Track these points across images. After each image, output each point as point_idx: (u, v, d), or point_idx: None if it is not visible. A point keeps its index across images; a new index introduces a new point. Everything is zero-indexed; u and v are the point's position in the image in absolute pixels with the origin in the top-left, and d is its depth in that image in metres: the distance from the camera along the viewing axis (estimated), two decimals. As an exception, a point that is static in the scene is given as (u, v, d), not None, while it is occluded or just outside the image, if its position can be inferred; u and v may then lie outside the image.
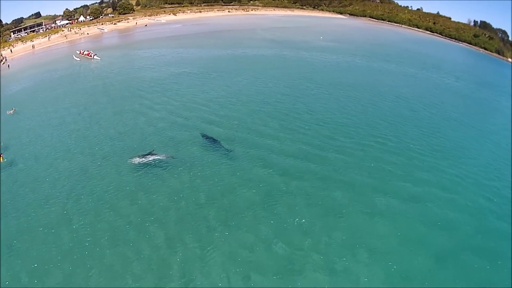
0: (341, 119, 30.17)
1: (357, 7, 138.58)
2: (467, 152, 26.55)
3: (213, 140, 24.21)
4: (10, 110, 31.94)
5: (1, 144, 24.73)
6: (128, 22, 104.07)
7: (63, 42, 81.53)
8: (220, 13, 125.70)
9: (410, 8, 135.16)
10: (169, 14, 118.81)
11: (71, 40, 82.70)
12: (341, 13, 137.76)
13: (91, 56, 55.08)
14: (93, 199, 18.47)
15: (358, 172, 21.34)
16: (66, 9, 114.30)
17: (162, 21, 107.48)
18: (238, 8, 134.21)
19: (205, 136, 24.91)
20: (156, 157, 21.76)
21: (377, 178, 20.87)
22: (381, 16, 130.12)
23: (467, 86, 50.73)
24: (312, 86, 39.85)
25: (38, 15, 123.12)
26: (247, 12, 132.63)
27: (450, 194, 19.96)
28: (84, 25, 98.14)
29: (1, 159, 22.25)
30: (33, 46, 78.54)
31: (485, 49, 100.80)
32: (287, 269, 14.23)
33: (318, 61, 55.56)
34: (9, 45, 79.42)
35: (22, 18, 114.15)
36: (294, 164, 21.93)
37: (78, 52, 58.21)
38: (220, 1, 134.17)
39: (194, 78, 42.34)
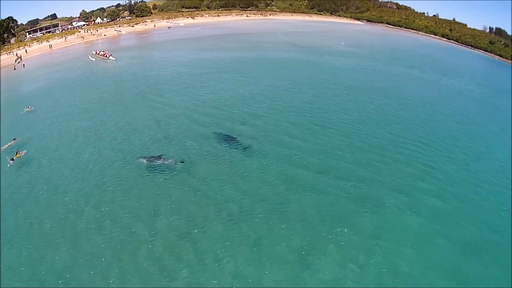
0: (375, 123, 29.47)
1: (374, 13, 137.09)
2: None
3: (234, 140, 24.12)
4: (27, 108, 31.61)
5: (18, 140, 24.88)
6: (146, 24, 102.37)
7: (79, 43, 79.89)
8: (239, 17, 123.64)
9: (426, 15, 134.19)
10: (187, 17, 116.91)
11: (87, 41, 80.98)
12: (358, 19, 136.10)
13: (106, 56, 54.46)
14: (109, 198, 18.27)
15: (390, 174, 21.06)
16: (83, 10, 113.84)
17: (180, 24, 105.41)
18: (256, 12, 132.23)
19: (227, 136, 24.69)
20: (170, 160, 21.36)
21: (414, 181, 20.45)
22: (398, 23, 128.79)
23: (489, 93, 49.21)
24: (340, 90, 39.06)
25: (54, 16, 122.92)
26: (265, 17, 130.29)
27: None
28: (101, 26, 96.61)
29: (17, 155, 22.33)
30: (50, 46, 77.27)
31: (501, 56, 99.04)
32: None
33: (342, 65, 53.91)
34: (24, 45, 78.02)
35: (38, 19, 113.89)
36: (320, 164, 21.73)
37: (94, 53, 57.72)
38: (238, 6, 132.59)
39: (214, 80, 40.63)
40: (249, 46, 65.79)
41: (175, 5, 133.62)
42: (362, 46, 74.44)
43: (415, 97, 39.63)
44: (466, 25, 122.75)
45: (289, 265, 14.03)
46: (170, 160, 21.00)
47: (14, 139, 24.73)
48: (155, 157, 21.29)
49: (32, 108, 31.58)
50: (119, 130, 26.16)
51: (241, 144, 23.44)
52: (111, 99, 33.85)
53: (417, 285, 13.45)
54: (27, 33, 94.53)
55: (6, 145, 23.74)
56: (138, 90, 36.52)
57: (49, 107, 32.59)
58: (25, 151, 22.95)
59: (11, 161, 21.71)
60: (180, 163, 20.80)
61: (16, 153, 22.35)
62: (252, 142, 23.89)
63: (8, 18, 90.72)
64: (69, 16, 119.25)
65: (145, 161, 21.00)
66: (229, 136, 24.49)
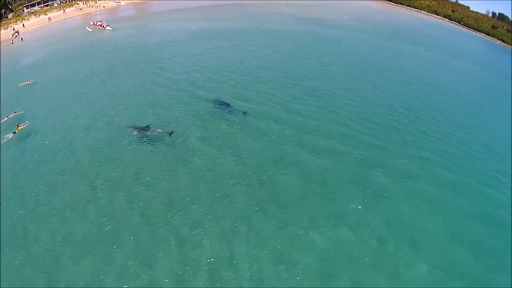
0: (379, 101, 28.08)
1: None
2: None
3: (230, 107, 23.80)
4: (26, 81, 31.33)
5: (20, 113, 24.52)
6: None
7: (78, 15, 77.86)
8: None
9: None
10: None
11: (86, 13, 78.85)
12: None
13: (103, 26, 54.68)
14: (111, 177, 17.45)
15: (395, 157, 19.91)
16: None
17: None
18: None
19: (223, 103, 24.34)
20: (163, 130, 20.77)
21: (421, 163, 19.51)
22: (400, 0, 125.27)
23: (494, 78, 47.60)
24: (346, 65, 37.52)
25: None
26: None
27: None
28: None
29: (19, 128, 22.14)
30: (49, 19, 75.87)
31: (502, 41, 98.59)
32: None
33: (347, 39, 52.42)
34: (22, 19, 76.41)
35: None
36: (317, 139, 20.96)
37: (92, 23, 57.65)
38: None
39: (214, 50, 39.12)
40: (252, 17, 63.93)
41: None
42: (365, 21, 72.70)
43: (422, 74, 38.44)
44: (469, 7, 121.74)
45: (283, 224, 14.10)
46: (160, 130, 20.62)
47: (15, 112, 24.54)
48: (143, 127, 20.96)
49: (31, 81, 31.18)
50: (112, 98, 26.27)
51: (237, 110, 23.30)
52: (106, 69, 33.56)
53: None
54: (25, 8, 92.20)
55: (6, 118, 23.53)
56: (130, 58, 36.14)
57: (48, 79, 32.23)
58: (28, 122, 22.84)
59: (12, 134, 21.61)
60: (169, 134, 20.45)
61: (18, 125, 22.21)
62: (249, 109, 23.51)
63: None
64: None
65: (135, 131, 20.82)
66: (225, 103, 24.28)
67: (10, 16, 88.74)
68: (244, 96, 26.05)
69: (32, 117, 24.19)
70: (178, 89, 27.13)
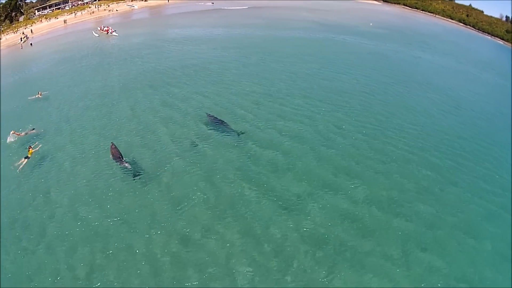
0: (432, 130, 23.30)
1: None
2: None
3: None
4: (37, 94, 27.60)
5: (35, 130, 21.62)
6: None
7: (89, 19, 75.01)
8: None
9: None
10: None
11: (98, 17, 76.07)
12: None
13: (109, 32, 53.04)
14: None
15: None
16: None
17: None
18: None
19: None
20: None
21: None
22: (415, 4, 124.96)
23: None
24: (389, 82, 32.58)
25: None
26: None
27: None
28: (113, 1, 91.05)
29: (31, 152, 18.79)
30: (64, 21, 73.88)
31: None
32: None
33: (380, 50, 47.38)
34: (32, 23, 74.53)
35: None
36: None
37: (99, 29, 55.95)
38: None
39: (238, 64, 34.52)
40: (273, 23, 59.70)
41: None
42: (391, 29, 68.43)
43: (468, 96, 33.53)
44: (482, 11, 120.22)
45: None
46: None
47: (33, 129, 21.69)
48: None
49: (42, 94, 27.51)
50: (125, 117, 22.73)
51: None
52: (119, 81, 29.97)
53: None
54: (36, 11, 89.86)
55: (24, 133, 21.00)
56: (138, 71, 32.48)
57: (60, 93, 28.49)
58: (40, 144, 19.51)
59: (26, 160, 18.34)
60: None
61: (29, 149, 18.78)
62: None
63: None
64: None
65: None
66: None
67: (21, 19, 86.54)
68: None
69: (46, 137, 20.87)
70: (186, 111, 23.16)
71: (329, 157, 17.75)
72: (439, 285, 11.31)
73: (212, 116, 21.01)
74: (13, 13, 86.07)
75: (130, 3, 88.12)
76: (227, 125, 20.05)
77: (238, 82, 28.66)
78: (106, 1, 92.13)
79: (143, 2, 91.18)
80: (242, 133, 19.40)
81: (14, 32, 73.33)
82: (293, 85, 28.49)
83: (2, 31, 77.96)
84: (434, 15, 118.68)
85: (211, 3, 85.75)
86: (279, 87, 27.50)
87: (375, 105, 25.75)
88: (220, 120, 20.56)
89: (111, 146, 18.11)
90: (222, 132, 19.67)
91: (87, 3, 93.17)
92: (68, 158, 18.26)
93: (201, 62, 34.25)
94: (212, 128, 20.22)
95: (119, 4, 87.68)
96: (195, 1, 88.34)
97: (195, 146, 18.54)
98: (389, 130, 21.61)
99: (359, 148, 18.97)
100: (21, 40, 64.41)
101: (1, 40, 72.41)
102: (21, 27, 76.98)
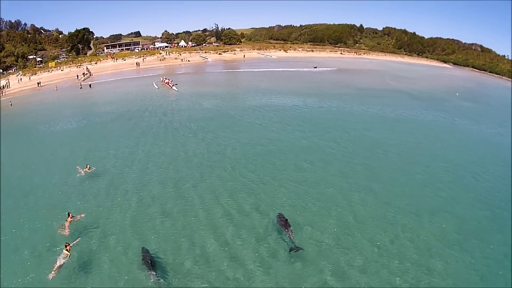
0: None
1: (460, 56, 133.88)
2: None
3: None
4: (85, 168, 20.67)
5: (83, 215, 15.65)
6: (234, 53, 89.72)
7: (159, 66, 68.10)
8: (333, 54, 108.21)
9: (507, 58, 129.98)
10: (279, 50, 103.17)
11: (168, 65, 69.04)
12: (445, 62, 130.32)
13: (170, 85, 48.89)
14: None
15: None
16: (165, 31, 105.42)
17: (272, 57, 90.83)
18: (350, 50, 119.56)
19: None
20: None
21: None
22: (483, 66, 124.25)
23: None
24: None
25: (138, 34, 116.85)
26: (359, 55, 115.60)
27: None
28: (185, 50, 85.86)
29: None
30: (137, 64, 67.91)
31: None
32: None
33: (488, 137, 32.25)
34: (98, 60, 69.03)
35: (121, 34, 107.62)
36: None
37: (161, 80, 52.16)
38: (327, 42, 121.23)
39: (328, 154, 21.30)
40: (363, 94, 47.81)
41: (263, 35, 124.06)
42: (478, 101, 55.88)
43: None
44: None
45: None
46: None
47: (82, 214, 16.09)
48: None
49: (91, 169, 20.07)
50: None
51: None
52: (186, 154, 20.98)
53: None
54: (105, 47, 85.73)
55: (76, 219, 15.28)
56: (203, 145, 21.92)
57: (114, 168, 20.72)
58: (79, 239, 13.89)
59: (67, 253, 13.08)
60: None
61: (66, 246, 13.12)
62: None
63: (84, 29, 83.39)
64: (153, 35, 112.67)
65: None
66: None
67: (89, 53, 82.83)
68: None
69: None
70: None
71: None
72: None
73: (283, 218, 15.23)
74: (80, 46, 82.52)
75: (204, 55, 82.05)
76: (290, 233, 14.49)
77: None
78: (177, 49, 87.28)
79: (217, 55, 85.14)
80: (298, 250, 13.39)
81: (77, 67, 67.71)
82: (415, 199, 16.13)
83: (65, 62, 73.17)
84: (501, 76, 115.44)
85: (314, 68, 75.31)
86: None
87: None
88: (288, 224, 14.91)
89: None
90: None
91: (158, 48, 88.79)
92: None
93: (287, 146, 22.13)
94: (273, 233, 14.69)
95: (191, 54, 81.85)
96: (296, 64, 79.81)
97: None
98: None
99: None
100: (84, 76, 57.49)
101: (63, 71, 67.10)
102: (85, 62, 71.95)
